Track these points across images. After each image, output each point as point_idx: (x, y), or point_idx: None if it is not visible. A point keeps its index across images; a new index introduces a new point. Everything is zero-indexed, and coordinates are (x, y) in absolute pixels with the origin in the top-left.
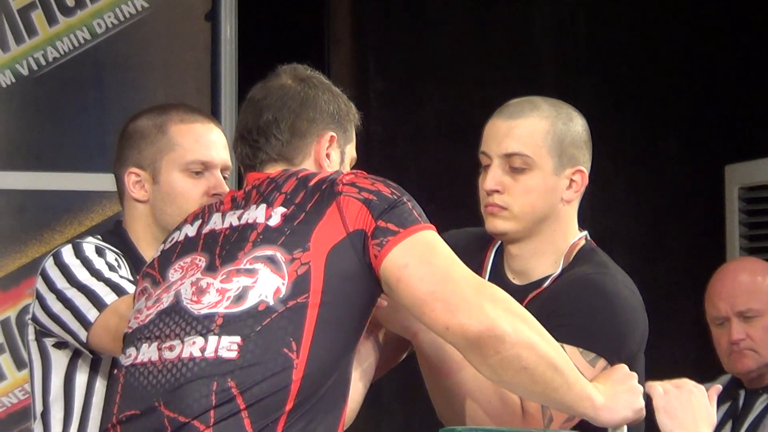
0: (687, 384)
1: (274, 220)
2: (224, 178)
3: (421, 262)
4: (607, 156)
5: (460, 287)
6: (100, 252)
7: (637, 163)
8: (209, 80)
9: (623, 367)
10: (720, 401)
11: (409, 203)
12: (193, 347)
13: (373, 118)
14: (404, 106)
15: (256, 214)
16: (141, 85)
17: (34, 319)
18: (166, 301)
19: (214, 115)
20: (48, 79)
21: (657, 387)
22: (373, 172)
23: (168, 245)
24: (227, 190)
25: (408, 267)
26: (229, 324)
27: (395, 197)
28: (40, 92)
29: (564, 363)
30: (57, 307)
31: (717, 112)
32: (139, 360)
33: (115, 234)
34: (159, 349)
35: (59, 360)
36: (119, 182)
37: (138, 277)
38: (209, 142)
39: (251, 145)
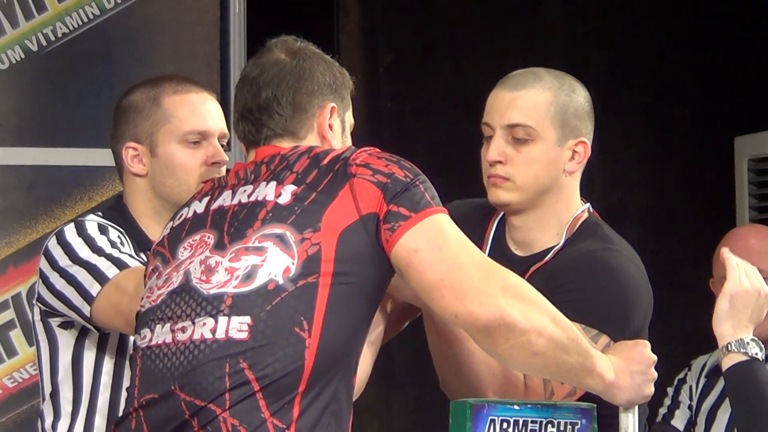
0: (757, 285)
1: (284, 198)
2: (222, 146)
3: (431, 248)
4: (616, 128)
5: (469, 274)
6: (102, 229)
7: (647, 136)
8: (218, 55)
9: (646, 346)
10: (717, 374)
11: (421, 186)
12: (203, 329)
13: (383, 92)
14: (413, 79)
15: (266, 191)
16: (150, 61)
17: (40, 299)
18: (176, 280)
19: (224, 89)
20: (57, 55)
21: (735, 272)
22: (383, 146)
23: (177, 222)
24: (226, 158)
25: (418, 253)
26: (238, 304)
27: (408, 180)
28: (49, 68)
29: (575, 343)
30: (60, 284)
31: (726, 83)
32: (154, 342)
33: (116, 210)
34: (172, 330)
35: (66, 340)
36: (117, 158)
37: (149, 254)
38: (205, 111)
39: (254, 123)
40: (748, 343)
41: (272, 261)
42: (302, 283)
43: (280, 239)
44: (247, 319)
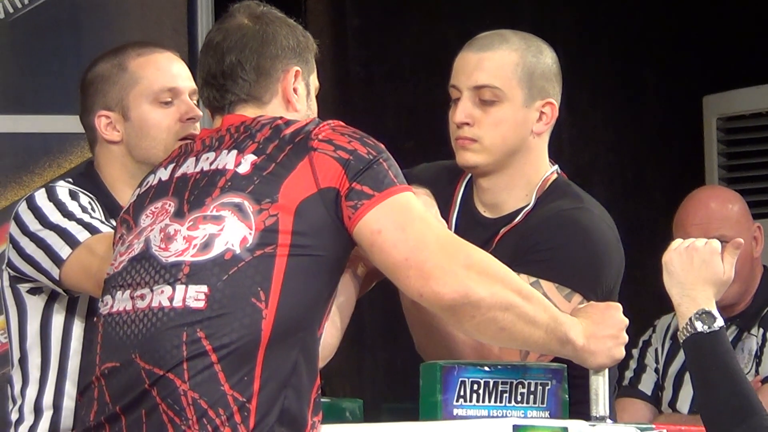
0: (696, 242)
1: (244, 168)
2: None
3: (395, 228)
4: (584, 89)
5: (433, 254)
6: (73, 195)
7: (615, 96)
8: (186, 20)
9: (618, 310)
10: None
11: (385, 163)
12: (161, 296)
13: (351, 56)
14: (381, 42)
15: (227, 160)
16: (117, 27)
17: (9, 265)
18: (137, 247)
19: (191, 55)
20: (24, 22)
21: (673, 244)
22: (352, 111)
23: (143, 189)
24: (200, 113)
25: (381, 233)
26: (195, 273)
27: (371, 157)
28: (16, 35)
29: (543, 315)
30: (30, 248)
31: (694, 43)
32: (114, 309)
33: (86, 176)
34: (131, 297)
35: (35, 306)
36: (89, 130)
37: (117, 222)
38: (171, 68)
39: (218, 88)
40: (700, 316)
41: (229, 230)
42: (259, 253)
43: (238, 209)
44: (204, 288)
